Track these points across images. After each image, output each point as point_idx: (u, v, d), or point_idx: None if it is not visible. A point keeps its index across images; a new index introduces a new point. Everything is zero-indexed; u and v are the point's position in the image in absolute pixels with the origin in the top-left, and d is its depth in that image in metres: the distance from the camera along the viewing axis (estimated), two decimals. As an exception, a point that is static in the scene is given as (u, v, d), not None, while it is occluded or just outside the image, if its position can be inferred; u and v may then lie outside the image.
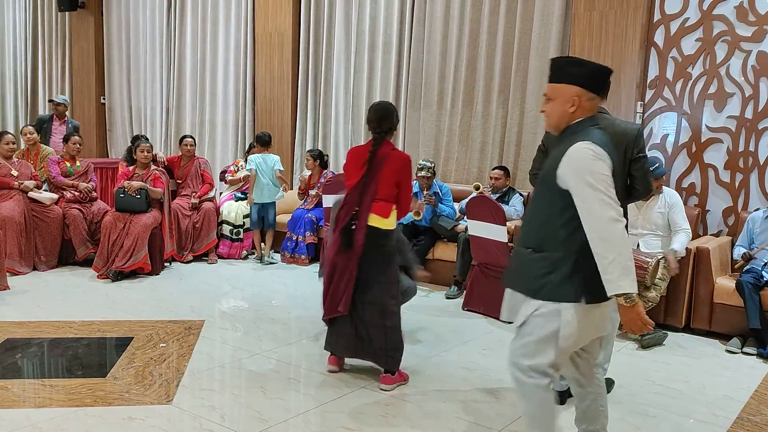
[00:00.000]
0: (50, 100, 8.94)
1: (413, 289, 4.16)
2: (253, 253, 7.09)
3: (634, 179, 3.30)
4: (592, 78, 2.47)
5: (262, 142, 6.99)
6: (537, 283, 2.41)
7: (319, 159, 6.94)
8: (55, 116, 8.11)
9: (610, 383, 3.63)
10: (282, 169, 7.06)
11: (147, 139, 6.68)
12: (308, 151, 7.10)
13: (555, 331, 2.37)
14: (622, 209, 2.34)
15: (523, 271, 2.49)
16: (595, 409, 2.68)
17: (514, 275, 2.55)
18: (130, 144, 6.73)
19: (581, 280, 2.35)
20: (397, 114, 3.76)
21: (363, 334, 3.68)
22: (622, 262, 2.27)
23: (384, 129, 3.67)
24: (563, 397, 3.59)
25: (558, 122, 2.49)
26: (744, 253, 4.69)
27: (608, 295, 2.30)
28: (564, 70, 2.48)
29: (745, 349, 4.45)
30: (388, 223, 3.63)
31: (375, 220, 3.58)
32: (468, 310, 5.24)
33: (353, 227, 3.59)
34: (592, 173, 2.30)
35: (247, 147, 7.49)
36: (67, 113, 8.30)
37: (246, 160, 7.29)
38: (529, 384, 2.44)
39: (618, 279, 2.26)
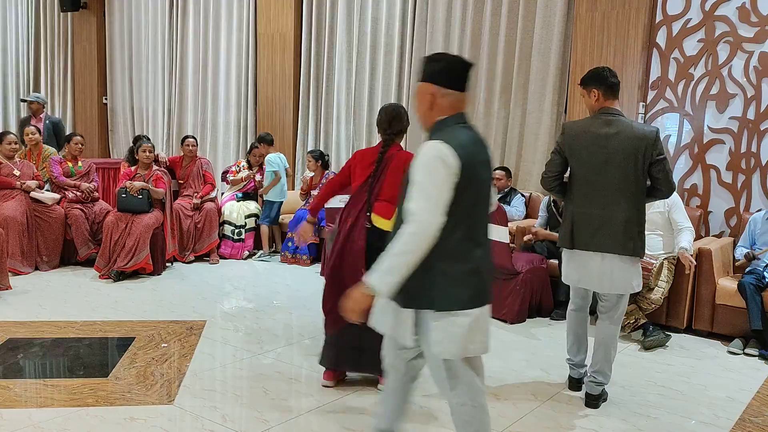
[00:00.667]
0: (22, 100, 8.88)
1: None
2: (255, 253, 7.10)
3: (657, 181, 3.35)
4: (446, 73, 2.31)
5: (268, 142, 7.14)
6: (409, 292, 2.25)
7: (321, 159, 6.97)
8: (31, 115, 8.04)
9: (603, 394, 3.59)
10: (288, 166, 7.21)
11: (149, 139, 6.70)
12: (309, 152, 7.11)
13: (449, 345, 2.26)
14: (444, 219, 2.17)
15: None
16: (400, 403, 2.59)
17: None
18: (131, 144, 6.74)
19: (452, 285, 2.24)
20: (407, 116, 3.70)
21: (365, 345, 3.57)
22: (396, 262, 2.15)
23: (394, 131, 3.61)
24: (579, 383, 3.62)
25: (421, 121, 2.39)
26: (747, 252, 4.69)
27: (363, 279, 2.20)
28: (422, 67, 2.36)
29: (747, 351, 4.44)
30: (390, 224, 3.60)
31: (377, 221, 3.54)
32: (469, 311, 5.23)
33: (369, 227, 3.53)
34: (429, 173, 2.17)
35: (248, 147, 7.52)
36: (45, 110, 8.18)
37: (248, 161, 7.32)
38: (458, 408, 2.37)
39: (381, 272, 2.16)
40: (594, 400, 3.52)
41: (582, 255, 3.42)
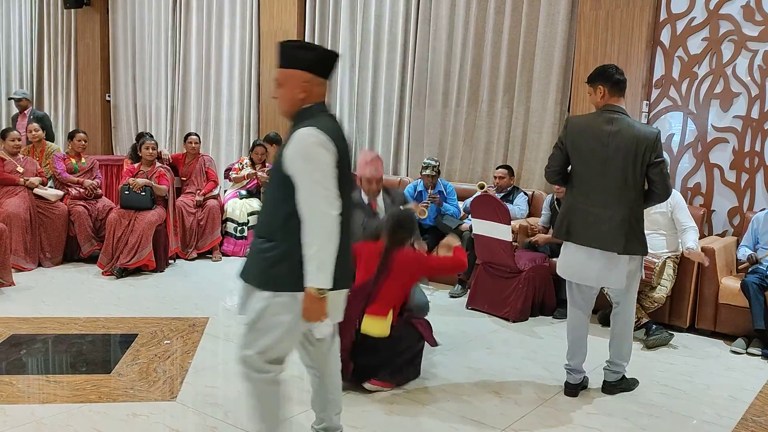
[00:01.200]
0: (10, 98, 8.89)
1: (425, 306, 4.09)
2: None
3: (654, 183, 3.35)
4: (322, 63, 2.41)
5: (278, 142, 7.22)
6: (267, 274, 2.35)
7: None
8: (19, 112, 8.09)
9: (634, 382, 3.73)
10: None
11: (152, 136, 6.68)
12: None
13: (285, 322, 2.35)
14: (340, 201, 2.28)
15: (254, 261, 2.42)
16: (324, 397, 2.69)
17: (248, 267, 2.46)
18: (135, 141, 6.74)
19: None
20: (414, 224, 3.70)
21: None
22: (321, 257, 2.25)
23: (397, 242, 3.58)
24: (576, 389, 3.62)
25: (289, 108, 2.43)
26: (750, 255, 4.67)
27: (305, 285, 2.28)
28: (293, 54, 2.40)
29: (750, 350, 4.43)
30: (379, 328, 3.51)
31: (367, 324, 3.49)
32: (472, 309, 5.24)
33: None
34: (312, 161, 2.25)
35: (251, 145, 7.51)
36: (30, 106, 8.23)
37: (251, 159, 7.31)
38: (257, 378, 2.43)
39: (313, 272, 2.26)
40: (609, 387, 3.64)
41: (579, 250, 3.44)
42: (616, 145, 3.30)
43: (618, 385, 3.66)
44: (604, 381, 3.67)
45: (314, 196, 2.24)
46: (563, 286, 5.05)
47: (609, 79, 3.39)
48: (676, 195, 4.82)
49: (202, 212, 6.80)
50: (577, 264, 3.47)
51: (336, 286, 2.33)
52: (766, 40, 5.15)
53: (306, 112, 2.38)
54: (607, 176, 3.33)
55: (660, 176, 3.33)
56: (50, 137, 7.79)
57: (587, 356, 3.64)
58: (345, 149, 2.39)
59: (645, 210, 4.79)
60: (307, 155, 2.26)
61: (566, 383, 3.66)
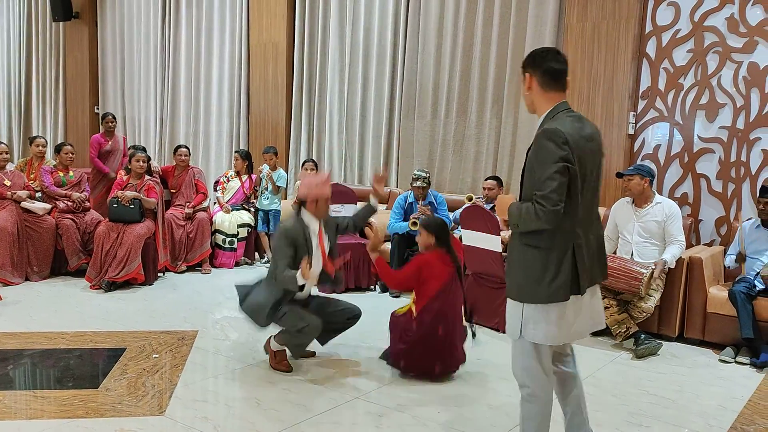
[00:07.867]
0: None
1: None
2: (249, 263, 7.13)
3: None
4: None
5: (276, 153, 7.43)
6: None
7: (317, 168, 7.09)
8: None
9: None
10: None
11: (144, 149, 6.63)
12: (310, 161, 7.10)
13: None
14: None
15: None
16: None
17: None
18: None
19: None
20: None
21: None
22: None
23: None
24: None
25: None
26: (738, 252, 4.72)
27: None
28: None
29: (739, 359, 4.45)
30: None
31: None
32: (462, 320, 5.24)
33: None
34: None
35: (233, 157, 7.49)
36: None
37: (237, 172, 7.28)
38: None
39: None
40: None
41: (580, 299, 2.62)
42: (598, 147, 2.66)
43: None
44: None
45: None
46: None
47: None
48: (674, 207, 4.84)
49: (192, 224, 6.77)
50: (577, 315, 2.65)
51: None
52: (750, 51, 5.22)
53: None
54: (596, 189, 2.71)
55: None
56: None
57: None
58: None
59: (640, 217, 4.87)
60: None
61: None
